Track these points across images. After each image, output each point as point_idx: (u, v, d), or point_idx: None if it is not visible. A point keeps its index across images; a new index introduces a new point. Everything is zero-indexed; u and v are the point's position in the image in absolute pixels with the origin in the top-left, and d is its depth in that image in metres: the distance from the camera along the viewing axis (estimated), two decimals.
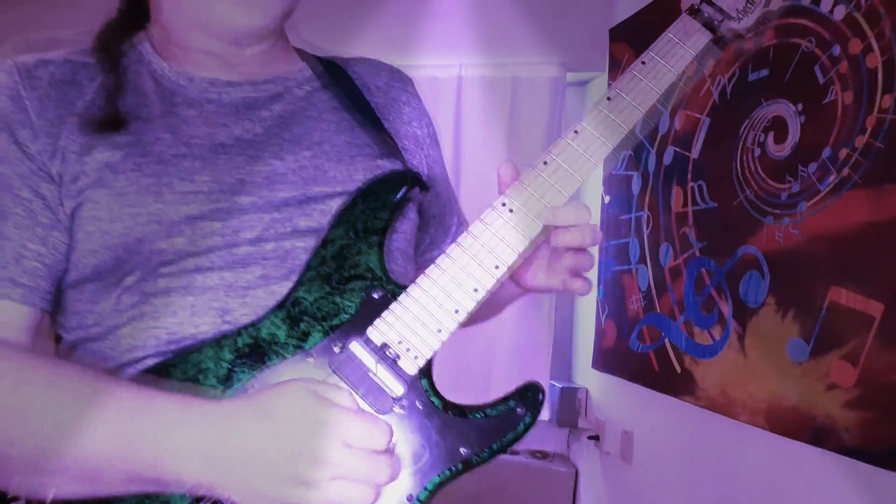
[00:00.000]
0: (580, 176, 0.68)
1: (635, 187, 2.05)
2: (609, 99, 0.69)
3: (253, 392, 0.60)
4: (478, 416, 0.63)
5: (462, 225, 0.92)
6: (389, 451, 0.59)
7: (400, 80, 0.84)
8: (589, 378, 2.38)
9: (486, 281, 0.65)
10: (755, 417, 1.47)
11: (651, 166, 1.97)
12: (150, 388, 0.59)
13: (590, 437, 2.29)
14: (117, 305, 0.64)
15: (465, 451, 0.62)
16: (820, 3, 1.35)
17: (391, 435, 0.58)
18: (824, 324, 1.29)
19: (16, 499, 0.58)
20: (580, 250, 0.71)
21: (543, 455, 2.43)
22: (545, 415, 2.42)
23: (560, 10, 2.39)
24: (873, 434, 1.18)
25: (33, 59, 0.68)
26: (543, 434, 2.47)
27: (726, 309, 1.59)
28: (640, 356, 1.98)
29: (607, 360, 2.22)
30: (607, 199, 2.25)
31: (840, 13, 1.30)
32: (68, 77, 0.68)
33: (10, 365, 0.58)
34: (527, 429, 0.64)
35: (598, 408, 2.31)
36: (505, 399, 0.65)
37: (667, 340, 1.85)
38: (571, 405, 2.36)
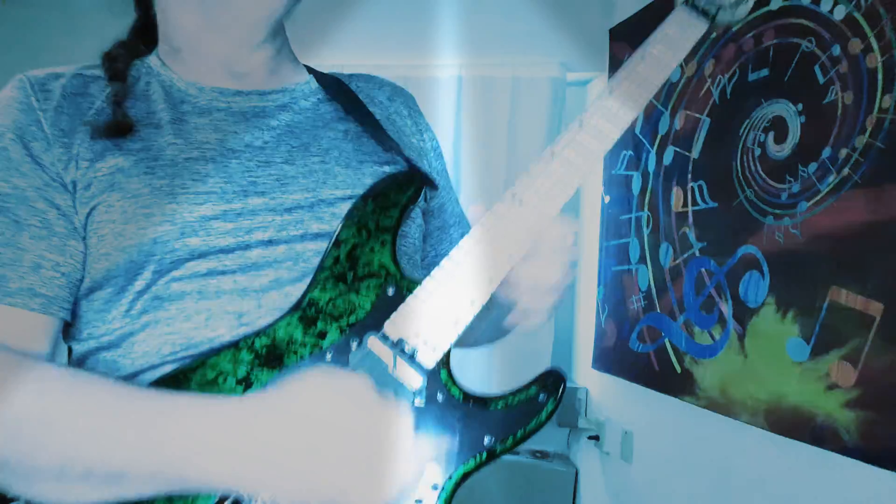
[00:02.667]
0: (587, 167, 0.68)
1: (635, 187, 2.05)
2: (611, 92, 0.69)
3: (273, 390, 0.59)
4: (499, 405, 0.65)
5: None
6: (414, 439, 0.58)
7: (401, 95, 0.86)
8: (589, 378, 2.38)
9: (500, 270, 0.65)
10: (755, 417, 1.47)
11: (651, 166, 1.97)
12: (171, 391, 0.59)
13: (590, 437, 2.29)
14: (129, 312, 0.65)
15: (489, 439, 0.63)
16: (820, 3, 1.35)
17: (413, 423, 0.57)
18: (824, 324, 1.29)
19: (15, 499, 0.58)
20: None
21: (543, 455, 2.43)
22: None
23: (560, 10, 2.39)
24: (873, 434, 1.18)
25: (44, 72, 0.70)
26: (543, 434, 2.44)
27: (726, 309, 1.59)
28: (640, 356, 1.98)
29: (607, 360, 2.22)
30: (607, 199, 2.25)
31: (840, 13, 1.30)
32: (80, 90, 0.69)
33: (32, 375, 0.58)
34: (549, 415, 0.65)
35: (598, 408, 2.31)
36: (526, 387, 0.66)
37: (667, 340, 1.85)
38: (571, 405, 2.36)
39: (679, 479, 1.82)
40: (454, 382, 0.64)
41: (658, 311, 1.90)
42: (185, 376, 0.62)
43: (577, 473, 2.39)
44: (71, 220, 0.64)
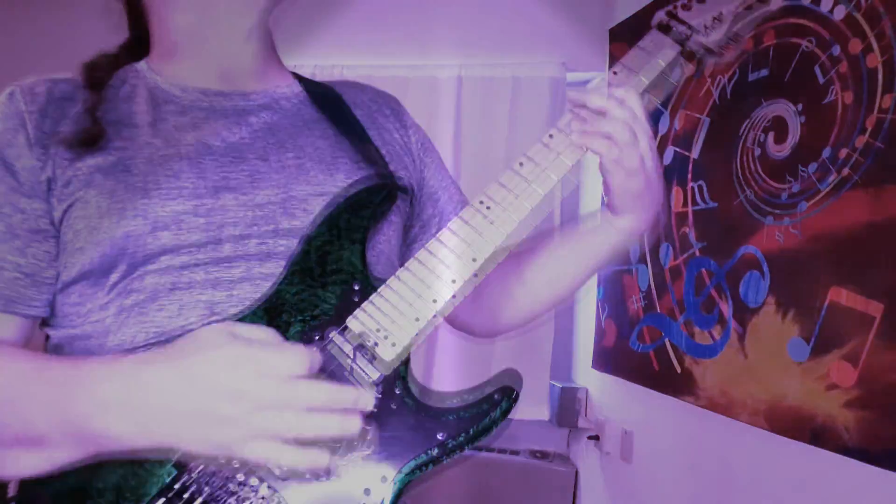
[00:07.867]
0: (555, 175, 0.73)
1: None
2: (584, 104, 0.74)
3: (166, 346, 0.61)
4: (455, 401, 0.66)
5: None
6: (314, 377, 0.59)
7: (384, 97, 0.89)
8: (589, 378, 2.38)
9: (464, 271, 0.68)
10: (755, 417, 1.47)
11: None
12: (80, 358, 0.63)
13: (590, 437, 2.29)
14: (104, 304, 0.67)
15: (442, 435, 0.64)
16: (820, 3, 1.35)
17: (309, 358, 0.58)
18: (824, 324, 1.29)
19: (14, 498, 0.60)
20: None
21: (543, 455, 2.43)
22: (545, 415, 2.42)
23: (560, 10, 2.39)
24: (873, 434, 1.18)
25: (36, 79, 0.73)
26: (543, 434, 2.46)
27: (726, 309, 1.59)
28: (640, 356, 1.98)
29: (607, 360, 2.22)
30: (607, 198, 2.25)
31: (840, 13, 1.30)
32: (67, 94, 0.72)
33: None
34: (504, 414, 0.66)
35: (598, 408, 2.31)
36: (484, 383, 0.67)
37: (667, 340, 1.85)
38: (571, 405, 2.36)
39: (679, 479, 1.82)
40: (413, 378, 0.66)
41: (658, 311, 1.90)
42: None
43: (577, 473, 2.39)
44: (36, 223, 0.68)
